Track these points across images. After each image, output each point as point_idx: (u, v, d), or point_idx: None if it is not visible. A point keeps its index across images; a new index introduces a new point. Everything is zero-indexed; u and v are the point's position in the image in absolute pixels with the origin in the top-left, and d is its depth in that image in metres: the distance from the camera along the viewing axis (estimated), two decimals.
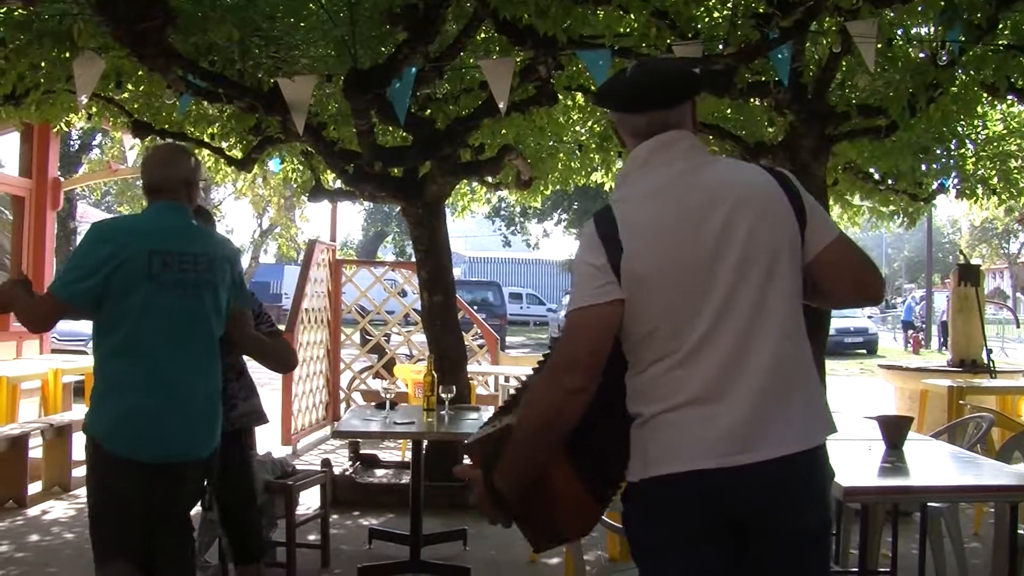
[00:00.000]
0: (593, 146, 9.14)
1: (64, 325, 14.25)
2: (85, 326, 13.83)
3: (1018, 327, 30.49)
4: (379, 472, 8.14)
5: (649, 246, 2.37)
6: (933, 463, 4.40)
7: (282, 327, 7.34)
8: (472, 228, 50.68)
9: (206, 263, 3.70)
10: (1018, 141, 9.62)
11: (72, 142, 19.68)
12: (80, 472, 8.01)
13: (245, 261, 26.94)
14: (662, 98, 2.52)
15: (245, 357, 4.77)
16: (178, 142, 7.39)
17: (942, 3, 5.62)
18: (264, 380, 6.37)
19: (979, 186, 9.59)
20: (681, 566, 2.39)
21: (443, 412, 5.87)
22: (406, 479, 6.05)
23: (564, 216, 43.24)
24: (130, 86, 6.89)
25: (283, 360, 4.69)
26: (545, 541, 2.63)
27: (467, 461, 2.59)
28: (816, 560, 2.43)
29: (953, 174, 9.51)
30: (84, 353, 13.00)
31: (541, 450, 2.43)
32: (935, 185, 9.67)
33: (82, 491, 7.75)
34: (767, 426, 2.33)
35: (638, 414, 2.42)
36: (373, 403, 6.98)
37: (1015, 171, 9.66)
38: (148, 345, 3.59)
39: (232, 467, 4.57)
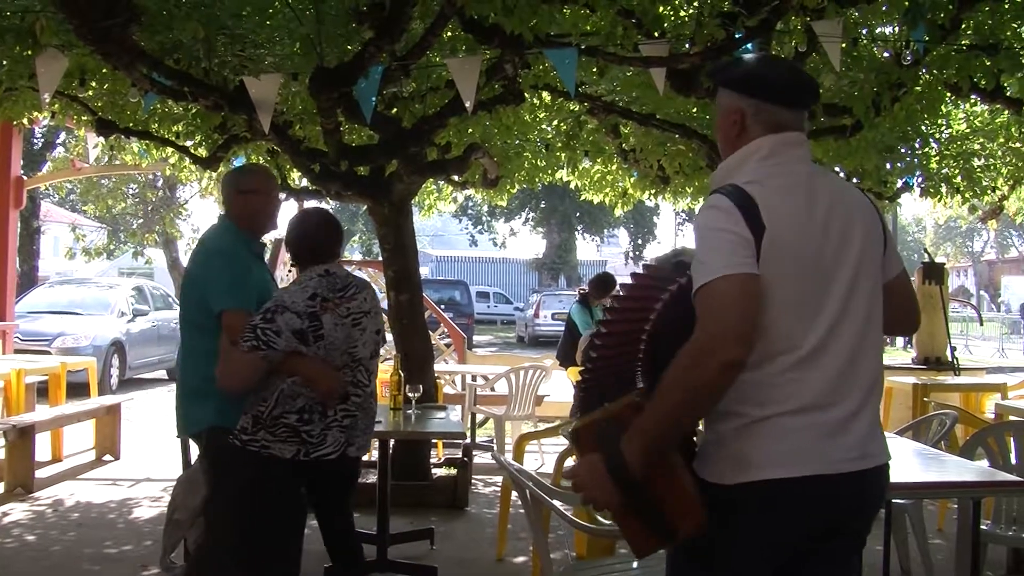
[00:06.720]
0: (559, 145, 9.15)
1: (28, 324, 14.12)
2: (48, 325, 13.59)
3: (982, 325, 30.92)
4: None
5: (789, 235, 2.35)
6: (897, 460, 4.41)
7: None
8: (439, 227, 50.71)
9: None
10: (981, 140, 9.73)
11: (35, 140, 19.42)
12: (42, 473, 7.94)
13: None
14: (811, 100, 2.62)
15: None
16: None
17: (906, 3, 5.66)
18: None
19: (943, 185, 9.67)
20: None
21: (410, 411, 5.87)
22: (372, 478, 6.03)
23: (531, 215, 43.46)
24: (94, 84, 6.82)
25: None
26: (655, 539, 2.43)
27: (569, 461, 2.48)
28: (857, 554, 2.64)
29: (917, 173, 9.57)
30: (47, 353, 12.84)
31: (686, 425, 2.43)
32: (900, 184, 9.73)
33: (43, 492, 7.67)
34: (874, 435, 2.46)
35: (741, 414, 2.36)
36: None
37: (978, 170, 9.77)
38: None
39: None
